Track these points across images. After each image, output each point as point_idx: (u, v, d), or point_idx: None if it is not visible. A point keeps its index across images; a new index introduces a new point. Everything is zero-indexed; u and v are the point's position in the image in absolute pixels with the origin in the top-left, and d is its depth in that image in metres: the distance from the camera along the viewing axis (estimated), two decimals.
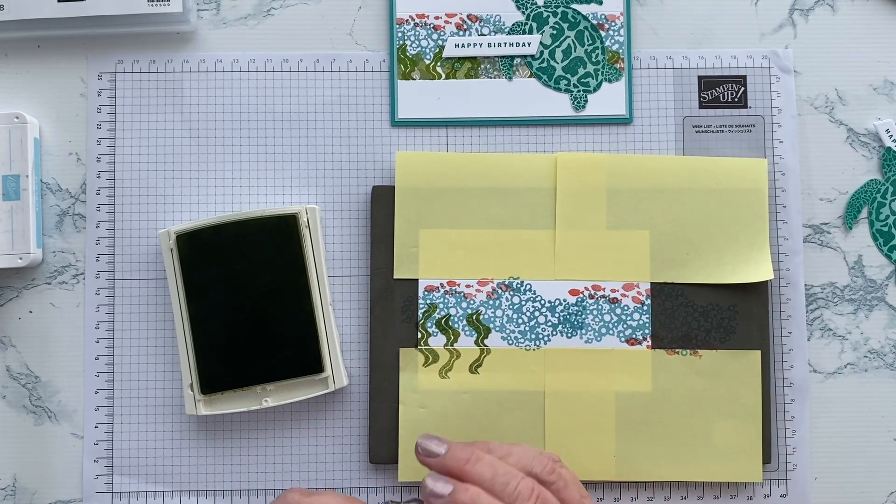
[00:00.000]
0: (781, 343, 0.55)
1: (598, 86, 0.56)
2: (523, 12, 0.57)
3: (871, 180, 0.57)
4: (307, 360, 0.53)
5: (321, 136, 0.56)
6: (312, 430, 0.55)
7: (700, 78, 0.57)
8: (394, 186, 0.55)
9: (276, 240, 0.53)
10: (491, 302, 0.54)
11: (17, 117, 0.54)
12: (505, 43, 0.56)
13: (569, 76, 0.56)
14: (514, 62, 0.56)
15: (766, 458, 0.54)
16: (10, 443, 0.55)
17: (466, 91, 0.56)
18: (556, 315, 0.54)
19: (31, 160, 0.54)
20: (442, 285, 0.54)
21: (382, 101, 0.56)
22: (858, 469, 0.56)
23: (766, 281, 0.55)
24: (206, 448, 0.55)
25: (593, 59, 0.57)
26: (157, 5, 0.54)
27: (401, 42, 0.56)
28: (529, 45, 0.56)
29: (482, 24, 0.57)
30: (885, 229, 0.57)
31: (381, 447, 0.54)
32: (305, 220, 0.53)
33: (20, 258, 0.54)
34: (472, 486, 0.44)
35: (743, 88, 0.57)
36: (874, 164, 0.57)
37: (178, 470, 0.54)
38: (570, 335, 0.54)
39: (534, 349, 0.54)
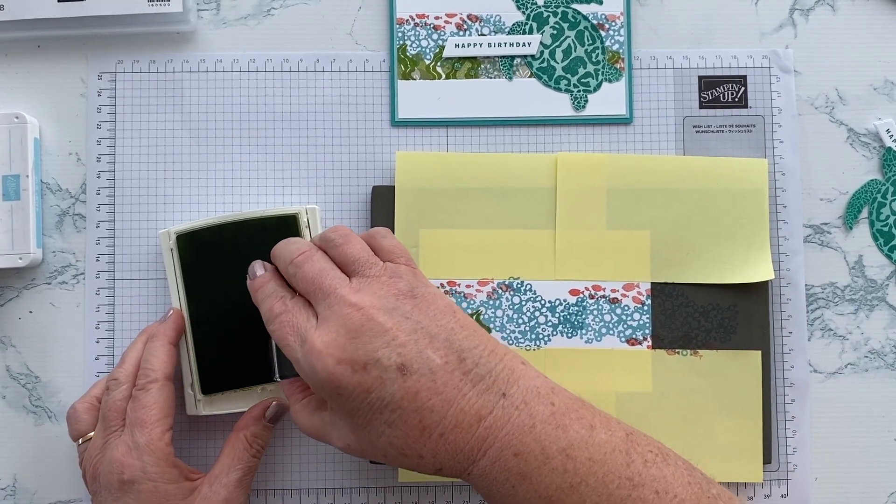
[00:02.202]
0: (782, 343, 0.55)
1: (599, 86, 0.56)
2: (523, 12, 0.57)
3: (872, 180, 0.57)
4: None
5: (321, 136, 0.56)
6: None
7: (700, 78, 0.57)
8: (394, 186, 0.55)
9: (277, 240, 0.52)
10: (491, 302, 0.54)
11: (17, 117, 0.54)
12: (505, 43, 0.56)
13: (569, 76, 0.56)
14: (515, 62, 0.56)
15: (767, 459, 0.54)
16: (10, 443, 0.55)
17: (466, 91, 0.56)
18: (557, 315, 0.54)
19: (31, 160, 0.54)
20: (442, 285, 0.54)
21: (382, 101, 0.56)
22: (859, 469, 0.56)
23: (767, 281, 0.55)
24: (207, 448, 0.55)
25: (593, 59, 0.56)
26: (157, 5, 0.54)
27: (401, 42, 0.56)
28: (529, 45, 0.56)
29: (482, 24, 0.57)
30: (886, 229, 0.57)
31: None
32: (306, 220, 0.53)
33: (20, 258, 0.54)
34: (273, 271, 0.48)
35: (743, 88, 0.57)
36: (874, 164, 0.57)
37: None
38: (570, 335, 0.54)
39: (534, 349, 0.54)
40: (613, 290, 0.55)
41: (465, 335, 0.43)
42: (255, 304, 0.48)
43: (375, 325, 0.42)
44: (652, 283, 0.55)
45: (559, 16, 0.57)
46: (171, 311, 0.52)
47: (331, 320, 0.42)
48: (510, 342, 0.54)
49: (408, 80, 0.56)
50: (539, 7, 0.57)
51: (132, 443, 0.48)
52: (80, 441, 0.50)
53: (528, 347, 0.54)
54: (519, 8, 0.57)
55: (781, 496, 0.55)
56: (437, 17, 0.57)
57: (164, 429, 0.48)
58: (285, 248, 0.47)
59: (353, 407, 0.42)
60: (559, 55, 0.56)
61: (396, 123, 0.56)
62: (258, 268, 0.48)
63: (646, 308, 0.54)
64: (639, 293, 0.55)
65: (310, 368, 0.42)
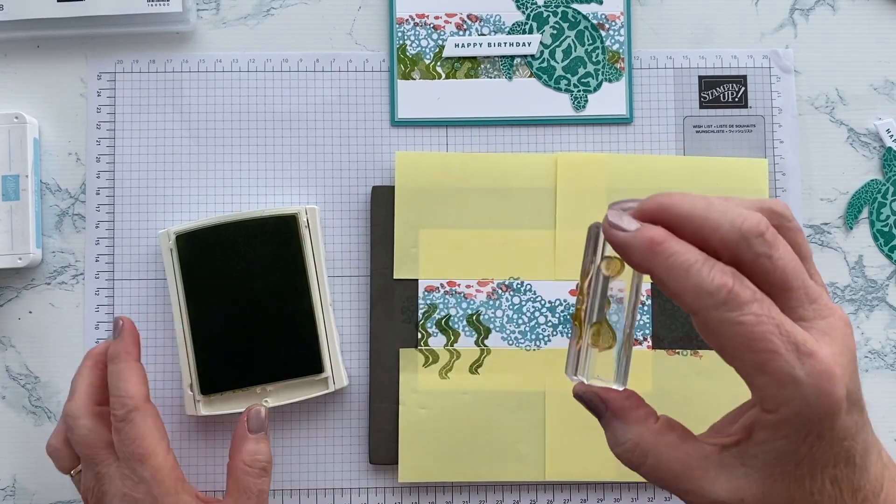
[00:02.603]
0: None
1: (599, 86, 0.56)
2: (523, 12, 0.57)
3: (872, 180, 0.57)
4: (307, 361, 0.53)
5: (321, 136, 0.56)
6: (312, 431, 0.55)
7: (700, 78, 0.57)
8: (394, 186, 0.55)
9: (276, 240, 0.53)
10: (491, 302, 0.54)
11: (16, 117, 0.54)
12: (505, 43, 0.56)
13: (569, 76, 0.56)
14: (515, 62, 0.56)
15: None
16: (10, 443, 0.55)
17: (466, 91, 0.56)
18: (557, 315, 0.54)
19: (31, 160, 0.54)
20: (442, 286, 0.54)
21: (382, 101, 0.56)
22: None
23: None
24: (206, 448, 0.55)
25: (593, 59, 0.56)
26: (156, 5, 0.54)
27: (401, 42, 0.56)
28: (529, 44, 0.56)
29: (482, 23, 0.56)
30: (886, 229, 0.56)
31: (381, 447, 0.54)
32: (305, 220, 0.53)
33: (20, 258, 0.54)
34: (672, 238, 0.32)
35: (743, 88, 0.57)
36: (875, 164, 0.57)
37: None
38: (570, 335, 0.54)
39: (534, 349, 0.54)
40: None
41: None
42: (645, 268, 0.33)
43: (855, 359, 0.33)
44: (652, 284, 0.54)
45: (559, 15, 0.57)
46: (122, 323, 0.48)
47: (831, 334, 0.32)
48: (510, 343, 0.54)
49: (407, 79, 0.56)
50: (539, 7, 0.57)
51: (137, 478, 0.45)
52: (73, 473, 0.49)
53: (528, 348, 0.54)
54: (519, 8, 0.57)
55: None
56: (436, 17, 0.56)
57: (164, 452, 0.46)
58: (731, 211, 0.32)
59: (813, 453, 0.32)
60: (559, 55, 0.56)
61: (396, 123, 0.56)
62: (625, 217, 0.33)
63: (646, 308, 0.54)
64: None
65: (814, 392, 0.30)
